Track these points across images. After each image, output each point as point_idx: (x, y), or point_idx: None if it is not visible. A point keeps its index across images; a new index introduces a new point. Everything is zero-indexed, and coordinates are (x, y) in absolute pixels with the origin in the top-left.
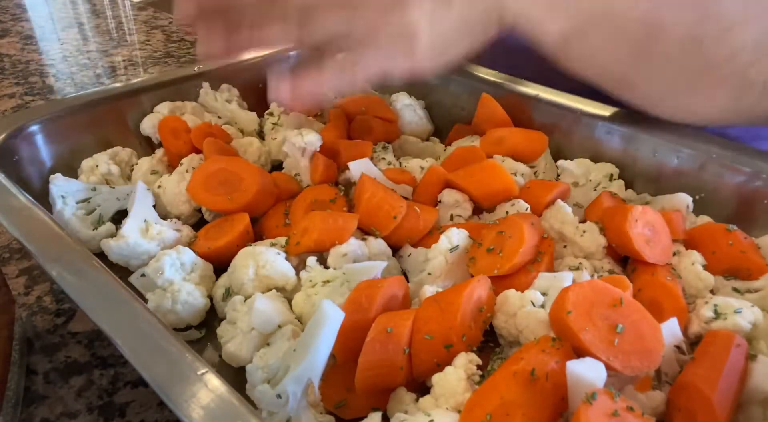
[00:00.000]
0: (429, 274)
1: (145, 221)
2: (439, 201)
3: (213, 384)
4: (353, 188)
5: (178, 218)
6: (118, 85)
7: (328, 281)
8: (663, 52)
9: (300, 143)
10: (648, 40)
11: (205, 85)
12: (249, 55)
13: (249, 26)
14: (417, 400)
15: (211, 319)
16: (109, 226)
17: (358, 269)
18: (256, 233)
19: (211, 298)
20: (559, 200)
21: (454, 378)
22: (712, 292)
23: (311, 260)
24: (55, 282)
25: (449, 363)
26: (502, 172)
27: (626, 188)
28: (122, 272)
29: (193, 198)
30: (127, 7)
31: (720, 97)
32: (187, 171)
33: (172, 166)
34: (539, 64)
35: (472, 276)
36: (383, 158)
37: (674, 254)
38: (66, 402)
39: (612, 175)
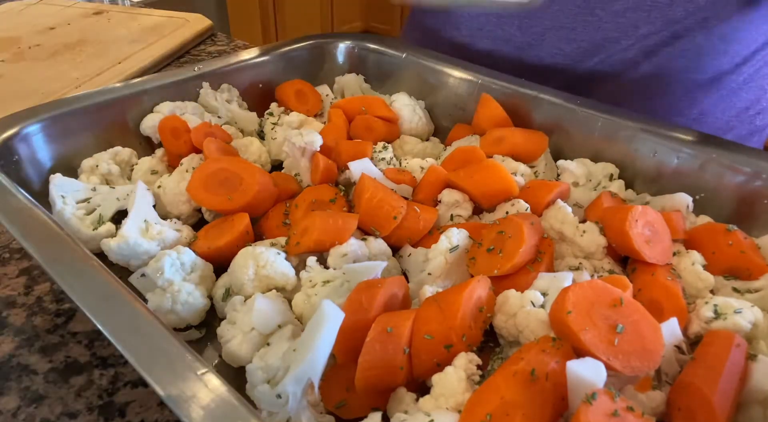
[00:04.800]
0: (429, 274)
1: (145, 221)
2: (439, 201)
3: (213, 384)
4: (353, 188)
5: (178, 218)
6: (118, 85)
7: (328, 281)
8: None
9: (300, 143)
10: None
11: (205, 85)
12: (249, 56)
13: None
14: (417, 400)
15: (211, 319)
16: (109, 226)
17: (358, 269)
18: (256, 233)
19: (211, 298)
20: (559, 200)
21: (454, 378)
22: (712, 292)
23: (311, 260)
24: (55, 282)
25: (449, 363)
26: (502, 172)
27: (626, 188)
28: (122, 272)
29: (193, 198)
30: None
31: None
32: (187, 171)
33: (172, 166)
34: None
35: (472, 276)
36: (383, 158)
37: (674, 254)
38: (66, 402)
39: (612, 175)
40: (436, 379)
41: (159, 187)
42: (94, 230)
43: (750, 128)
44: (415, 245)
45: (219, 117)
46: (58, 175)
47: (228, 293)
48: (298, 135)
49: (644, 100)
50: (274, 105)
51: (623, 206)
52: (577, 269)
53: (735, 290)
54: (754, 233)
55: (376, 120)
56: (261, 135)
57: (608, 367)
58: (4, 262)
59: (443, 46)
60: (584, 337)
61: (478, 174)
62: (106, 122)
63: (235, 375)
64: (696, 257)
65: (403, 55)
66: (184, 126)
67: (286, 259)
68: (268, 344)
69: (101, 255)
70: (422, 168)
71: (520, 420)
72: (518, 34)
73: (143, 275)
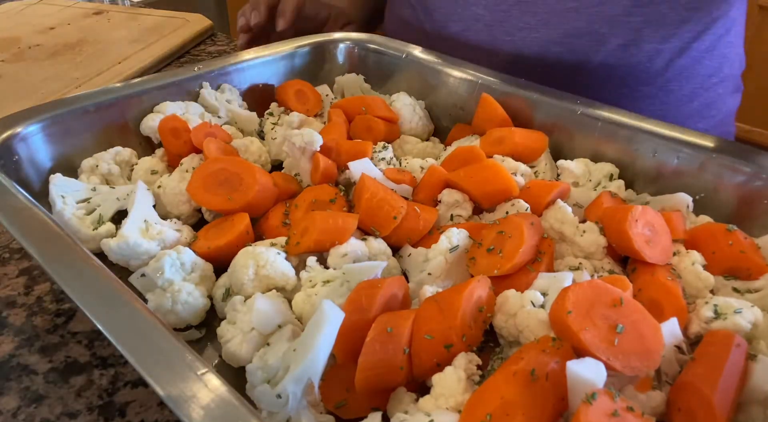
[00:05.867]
0: (429, 274)
1: (145, 221)
2: (439, 201)
3: (213, 384)
4: (353, 188)
5: (178, 218)
6: (118, 85)
7: (328, 281)
8: None
9: (300, 143)
10: None
11: (205, 85)
12: (249, 56)
13: None
14: (417, 400)
15: (211, 319)
16: (109, 226)
17: (358, 269)
18: (256, 233)
19: (211, 298)
20: (559, 200)
21: (454, 378)
22: (712, 292)
23: (311, 260)
24: (55, 282)
25: (449, 363)
26: (502, 172)
27: (626, 188)
28: (122, 272)
29: (193, 198)
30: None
31: None
32: (187, 171)
33: (172, 166)
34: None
35: (472, 276)
36: (383, 158)
37: (674, 254)
38: (66, 402)
39: (612, 175)
40: (436, 379)
41: (159, 187)
42: (94, 230)
43: (712, 96)
44: (415, 245)
45: (219, 117)
46: (58, 175)
47: (228, 293)
48: (298, 135)
49: (612, 74)
50: (274, 105)
51: (623, 206)
52: (577, 269)
53: (735, 290)
54: (754, 233)
55: (376, 120)
56: (261, 135)
57: (608, 367)
58: (4, 262)
59: (416, 36)
60: (584, 337)
61: (478, 174)
62: (106, 122)
63: (235, 375)
64: (696, 257)
65: (403, 55)
66: (184, 126)
67: (286, 259)
68: (268, 344)
69: (101, 255)
70: (422, 168)
71: (520, 420)
72: (486, 14)
73: (143, 275)
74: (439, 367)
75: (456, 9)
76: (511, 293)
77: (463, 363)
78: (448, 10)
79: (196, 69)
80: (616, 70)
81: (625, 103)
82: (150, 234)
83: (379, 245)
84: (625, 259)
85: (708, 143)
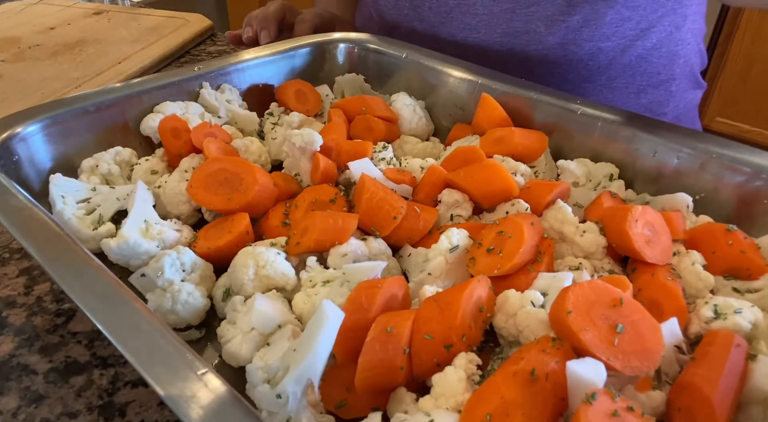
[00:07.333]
0: (429, 274)
1: (145, 221)
2: (439, 201)
3: (213, 384)
4: (353, 188)
5: (178, 218)
6: (118, 85)
7: (328, 281)
8: None
9: (300, 143)
10: None
11: (205, 85)
12: (249, 56)
13: None
14: (417, 400)
15: (211, 319)
16: (109, 226)
17: (358, 269)
18: (256, 233)
19: (211, 298)
20: (559, 200)
21: (454, 378)
22: (712, 292)
23: (311, 260)
24: (55, 282)
25: (449, 363)
26: (502, 172)
27: (626, 188)
28: (122, 272)
29: (193, 198)
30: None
31: None
32: (186, 171)
33: (172, 166)
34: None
35: (472, 276)
36: (383, 158)
37: (674, 254)
38: (66, 402)
39: (612, 175)
40: (436, 379)
41: (159, 187)
42: (94, 230)
43: (665, 94)
44: (415, 245)
45: (219, 117)
46: (58, 175)
47: (228, 293)
48: (298, 135)
49: (553, 71)
50: (274, 105)
51: (623, 206)
52: (577, 269)
53: (735, 290)
54: (754, 233)
55: (376, 120)
56: (261, 135)
57: (608, 367)
58: (4, 262)
59: (378, 27)
60: (584, 337)
61: (478, 174)
62: (106, 122)
63: (235, 375)
64: (696, 257)
65: (403, 55)
66: (184, 126)
67: (286, 259)
68: (268, 344)
69: (101, 255)
70: (422, 168)
71: (520, 420)
72: (430, 15)
73: (143, 275)
74: (439, 367)
75: (403, 11)
76: (511, 293)
77: (463, 363)
78: (397, 12)
79: (196, 69)
80: (556, 67)
81: None
82: (150, 234)
83: (379, 245)
84: (625, 259)
85: (708, 143)
